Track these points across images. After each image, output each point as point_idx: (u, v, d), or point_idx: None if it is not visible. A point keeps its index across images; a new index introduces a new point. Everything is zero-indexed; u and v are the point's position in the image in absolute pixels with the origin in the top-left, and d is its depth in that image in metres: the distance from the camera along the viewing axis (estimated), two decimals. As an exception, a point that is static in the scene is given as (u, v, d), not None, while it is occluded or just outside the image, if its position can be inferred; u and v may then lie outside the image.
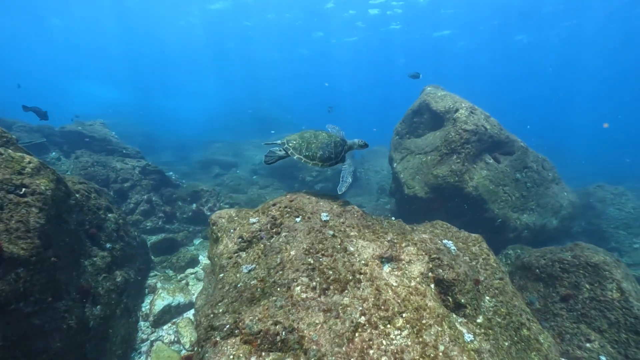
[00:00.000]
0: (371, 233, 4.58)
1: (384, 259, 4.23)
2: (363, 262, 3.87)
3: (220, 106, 46.64)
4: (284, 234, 4.34)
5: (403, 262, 4.29)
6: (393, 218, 6.20)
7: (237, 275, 4.19)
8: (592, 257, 5.35)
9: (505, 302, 4.79)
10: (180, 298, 6.98)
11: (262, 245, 4.51)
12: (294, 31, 43.87)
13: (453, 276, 4.22)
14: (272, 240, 4.43)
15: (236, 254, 4.67)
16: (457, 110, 8.60)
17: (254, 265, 4.19)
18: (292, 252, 3.91)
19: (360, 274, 3.68)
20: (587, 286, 5.25)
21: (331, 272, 3.57)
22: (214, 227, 5.76)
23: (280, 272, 3.70)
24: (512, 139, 9.35)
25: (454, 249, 5.00)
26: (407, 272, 4.15)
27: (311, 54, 53.09)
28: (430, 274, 4.26)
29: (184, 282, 7.91)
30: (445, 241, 5.04)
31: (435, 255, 4.40)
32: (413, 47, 46.07)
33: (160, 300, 6.75)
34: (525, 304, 5.92)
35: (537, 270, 5.84)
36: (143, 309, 6.86)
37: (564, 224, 10.44)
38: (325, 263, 3.68)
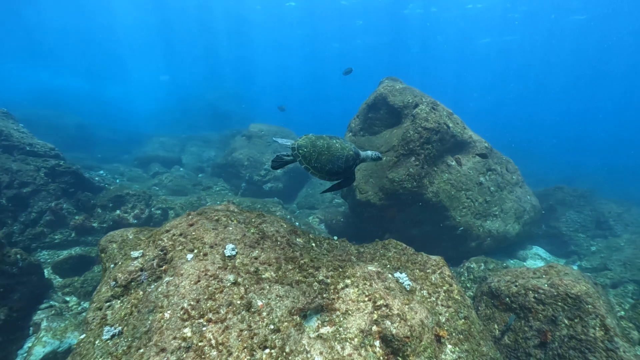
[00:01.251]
0: (296, 270, 3.36)
1: (310, 312, 3.03)
2: (273, 326, 2.63)
3: (173, 96, 43.30)
4: (167, 278, 3.02)
5: (337, 313, 3.11)
6: (335, 238, 5.02)
7: (96, 342, 2.84)
8: (572, 287, 4.44)
9: (472, 350, 3.75)
10: (72, 339, 5.45)
11: (140, 293, 3.16)
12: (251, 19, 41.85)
13: (405, 332, 3.08)
14: (152, 287, 3.09)
15: (108, 304, 3.30)
16: (416, 106, 7.56)
17: (119, 329, 2.85)
18: (167, 314, 2.60)
19: (266, 347, 2.44)
20: (566, 322, 4.33)
21: (215, 354, 2.29)
22: (103, 256, 4.34)
23: (142, 351, 2.38)
24: (475, 139, 8.48)
25: (408, 284, 3.88)
26: (341, 329, 2.97)
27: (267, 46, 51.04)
28: (374, 327, 3.11)
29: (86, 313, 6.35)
30: (397, 274, 3.92)
31: (382, 302, 3.25)
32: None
33: (40, 347, 5.19)
34: (504, 326, 5.01)
35: (508, 299, 4.89)
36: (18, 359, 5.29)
37: (526, 228, 9.81)
38: (210, 335, 2.41)
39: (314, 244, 4.51)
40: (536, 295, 4.63)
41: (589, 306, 4.25)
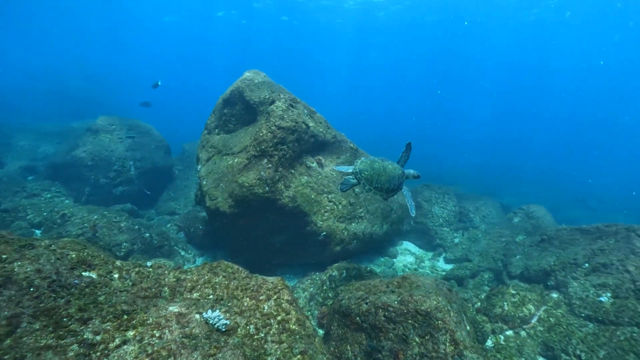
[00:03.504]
0: (49, 329, 2.57)
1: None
2: None
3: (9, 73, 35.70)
4: None
5: (98, 384, 2.41)
6: (149, 264, 4.27)
7: None
8: (422, 304, 4.48)
9: (300, 389, 3.41)
10: None
11: None
12: None
13: (190, 396, 2.55)
14: None
15: None
16: (272, 102, 7.15)
17: None
18: None
19: None
20: (417, 339, 4.35)
21: None
22: None
23: None
24: (340, 139, 8.46)
25: (225, 323, 3.36)
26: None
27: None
28: (152, 394, 2.50)
29: None
30: (208, 313, 3.35)
31: None
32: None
33: None
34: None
35: (358, 318, 4.76)
36: None
37: (394, 227, 10.29)
38: None
39: (116, 276, 3.73)
40: (386, 313, 4.57)
41: (439, 322, 4.30)
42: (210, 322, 3.27)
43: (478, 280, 9.28)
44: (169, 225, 10.33)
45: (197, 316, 3.24)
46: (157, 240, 8.90)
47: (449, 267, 10.68)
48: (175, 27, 45.36)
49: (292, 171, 7.04)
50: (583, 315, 6.25)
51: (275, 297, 4.15)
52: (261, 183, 6.39)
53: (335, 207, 7.79)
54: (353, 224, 8.25)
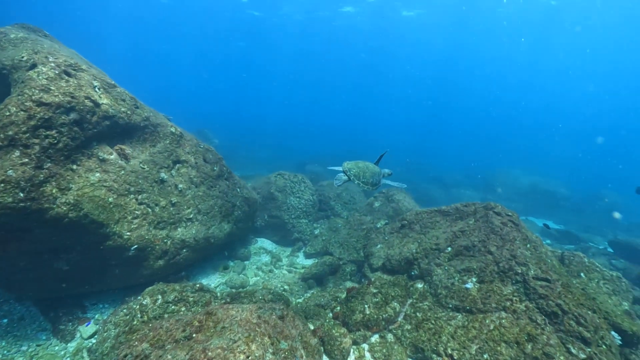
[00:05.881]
0: None
1: None
2: None
3: None
4: None
5: None
6: None
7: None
8: None
9: None
10: None
11: None
12: None
13: None
14: None
15: None
16: (34, 67, 5.09)
17: None
18: None
19: None
20: None
21: None
22: None
23: None
24: (156, 122, 6.79)
25: None
26: None
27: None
28: None
29: None
30: None
31: None
32: None
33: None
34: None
35: None
36: None
37: (241, 225, 9.10)
38: None
39: None
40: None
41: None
42: None
43: (339, 275, 8.64)
44: None
45: None
46: None
47: (309, 262, 10.00)
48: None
49: (74, 167, 5.13)
50: (450, 305, 5.82)
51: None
52: (10, 188, 4.40)
53: (149, 210, 6.16)
54: (179, 229, 6.74)
